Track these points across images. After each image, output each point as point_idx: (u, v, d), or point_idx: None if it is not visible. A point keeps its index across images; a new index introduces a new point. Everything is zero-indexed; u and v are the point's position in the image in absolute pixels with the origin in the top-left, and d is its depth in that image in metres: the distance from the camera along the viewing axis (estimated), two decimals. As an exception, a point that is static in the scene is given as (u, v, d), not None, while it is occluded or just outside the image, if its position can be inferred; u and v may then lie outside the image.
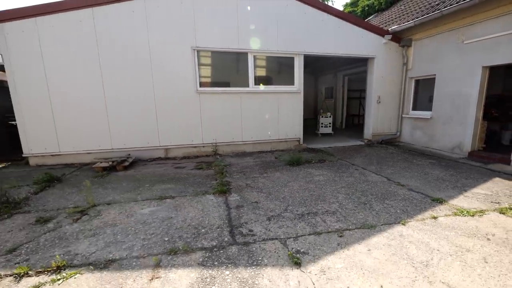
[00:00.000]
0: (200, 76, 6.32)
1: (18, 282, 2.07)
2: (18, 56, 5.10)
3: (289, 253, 2.40)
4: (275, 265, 2.24)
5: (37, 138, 5.47)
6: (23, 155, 5.53)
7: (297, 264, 2.24)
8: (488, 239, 2.64)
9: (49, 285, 2.03)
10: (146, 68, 5.83)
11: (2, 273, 2.16)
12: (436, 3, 7.04)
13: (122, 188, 4.24)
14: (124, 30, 5.56)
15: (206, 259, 2.33)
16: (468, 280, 2.04)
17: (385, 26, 8.66)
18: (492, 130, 7.11)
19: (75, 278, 2.10)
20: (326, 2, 17.26)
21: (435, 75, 6.94)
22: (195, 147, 6.57)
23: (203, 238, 2.68)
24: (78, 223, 3.02)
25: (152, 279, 2.09)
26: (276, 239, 2.66)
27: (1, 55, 5.21)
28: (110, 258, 2.35)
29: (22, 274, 2.14)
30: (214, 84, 6.65)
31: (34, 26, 5.07)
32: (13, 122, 6.55)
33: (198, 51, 6.18)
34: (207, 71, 6.60)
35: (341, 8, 21.81)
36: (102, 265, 2.26)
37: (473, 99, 5.99)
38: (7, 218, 3.17)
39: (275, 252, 2.43)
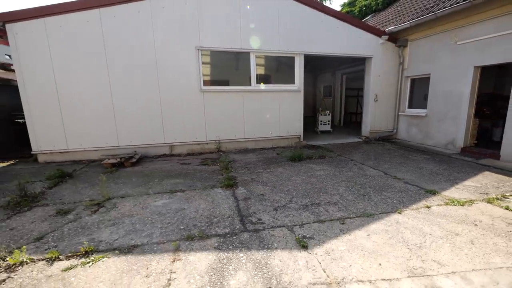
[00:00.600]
0: (203, 75, 6.51)
1: (51, 265, 2.27)
2: (27, 56, 5.24)
3: (296, 238, 2.64)
4: (284, 248, 2.48)
5: (45, 136, 5.63)
6: (32, 152, 5.68)
7: (304, 247, 2.48)
8: (476, 225, 2.90)
9: (80, 267, 2.24)
10: (151, 68, 6.01)
11: (35, 257, 2.37)
12: (431, 5, 7.30)
13: (133, 183, 4.44)
14: (130, 30, 5.72)
15: (221, 244, 2.56)
16: (456, 259, 2.30)
17: (382, 26, 8.91)
18: (484, 127, 7.41)
19: (103, 261, 2.31)
20: (323, 2, 17.47)
21: (429, 74, 7.21)
22: (199, 144, 6.77)
23: (216, 226, 2.90)
24: (97, 214, 3.22)
25: (174, 261, 2.30)
26: (284, 226, 2.89)
27: (9, 54, 5.32)
28: (133, 244, 2.56)
29: (53, 258, 2.35)
30: (217, 83, 6.84)
31: (42, 27, 5.21)
32: (19, 120, 6.69)
33: (202, 51, 6.37)
34: (210, 70, 6.78)
35: (338, 8, 22.07)
36: (126, 250, 2.47)
37: (465, 98, 6.28)
38: (27, 211, 3.35)
39: (283, 237, 2.66)
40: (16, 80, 6.76)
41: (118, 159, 5.42)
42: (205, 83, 6.57)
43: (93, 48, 5.57)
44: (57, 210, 3.32)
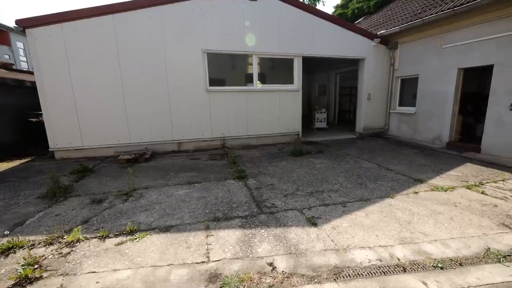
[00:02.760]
0: (209, 76, 6.92)
1: (104, 241, 2.69)
2: (45, 59, 5.55)
3: (306, 217, 3.12)
4: (297, 225, 2.96)
5: (62, 134, 5.95)
6: (50, 149, 5.99)
7: (314, 224, 2.97)
8: (456, 206, 3.45)
9: (130, 242, 2.66)
10: (161, 69, 6.38)
11: (88, 236, 2.78)
12: (419, 11, 7.88)
13: (151, 176, 4.85)
14: (142, 34, 6.08)
15: (243, 223, 3.02)
16: (438, 230, 2.83)
17: (374, 29, 9.47)
18: (467, 123, 8.06)
19: (148, 237, 2.74)
20: (316, 3, 17.99)
21: (418, 75, 7.81)
22: (205, 141, 7.19)
23: (237, 210, 3.36)
24: (129, 202, 3.64)
25: (207, 236, 2.76)
26: (295, 209, 3.37)
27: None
28: (168, 225, 3.00)
29: (104, 236, 2.76)
30: (221, 83, 7.26)
31: (60, 31, 5.52)
32: (32, 119, 6.96)
33: (207, 53, 6.77)
34: (216, 72, 7.19)
35: (331, 10, 22.61)
36: (164, 229, 2.91)
37: (450, 96, 6.89)
38: (64, 200, 3.73)
39: (295, 217, 3.15)
40: (29, 81, 7.05)
41: (133, 155, 5.79)
42: (211, 83, 6.98)
43: (106, 51, 5.91)
44: (91, 199, 3.72)
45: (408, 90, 8.61)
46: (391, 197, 3.72)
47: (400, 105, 8.87)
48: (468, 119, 7.92)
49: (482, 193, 3.87)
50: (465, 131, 7.41)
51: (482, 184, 4.24)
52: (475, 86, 9.08)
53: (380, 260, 2.33)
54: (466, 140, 7.06)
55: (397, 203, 3.52)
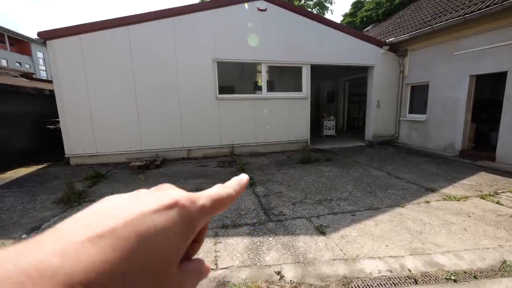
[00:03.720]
0: (219, 84, 7.05)
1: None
2: (63, 68, 5.81)
3: (314, 226, 3.11)
4: (305, 234, 2.95)
5: (78, 141, 6.16)
6: (65, 155, 6.20)
7: (322, 233, 2.95)
8: (469, 216, 3.36)
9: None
10: (172, 78, 6.56)
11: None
12: (428, 19, 7.85)
13: (161, 182, 4.92)
14: (154, 44, 6.29)
15: (252, 231, 3.04)
16: (450, 241, 2.76)
17: (383, 37, 9.47)
18: (481, 131, 7.87)
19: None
20: (325, 12, 18.13)
21: (428, 82, 7.72)
22: (214, 148, 7.28)
23: (245, 217, 3.38)
24: (139, 208, 3.71)
25: (215, 243, 2.79)
26: (303, 217, 3.37)
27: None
28: (177, 231, 3.05)
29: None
30: (231, 90, 7.40)
31: (78, 43, 5.79)
32: (50, 126, 7.25)
33: (217, 62, 6.93)
34: (225, 79, 7.33)
35: (340, 18, 22.74)
36: (173, 235, 2.95)
37: (462, 104, 6.77)
38: (78, 205, 3.85)
39: (303, 226, 3.14)
40: (48, 90, 7.37)
41: (144, 162, 5.92)
42: (220, 91, 7.10)
43: (121, 61, 6.14)
44: (103, 205, 3.82)
45: (419, 97, 8.51)
46: (402, 206, 3.66)
47: (410, 112, 8.75)
48: (481, 126, 7.74)
49: (498, 203, 3.76)
50: (478, 139, 7.24)
51: (497, 194, 4.12)
52: (488, 92, 8.89)
53: (391, 271, 2.30)
54: (480, 148, 6.88)
55: (407, 213, 3.46)
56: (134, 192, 0.24)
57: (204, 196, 0.25)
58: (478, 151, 6.65)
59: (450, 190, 4.31)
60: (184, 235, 0.22)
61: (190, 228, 0.23)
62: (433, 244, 2.71)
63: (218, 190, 0.27)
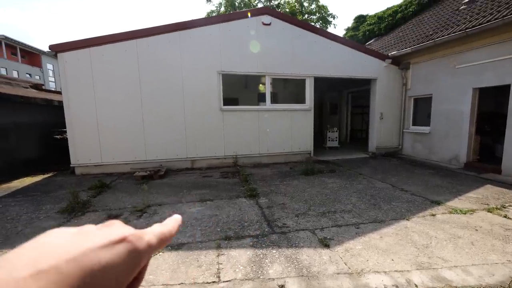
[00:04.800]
0: (223, 96, 7.16)
1: (117, 257, 2.74)
2: (73, 80, 5.97)
3: (318, 238, 3.08)
4: (309, 246, 2.92)
5: (84, 151, 6.24)
6: (71, 165, 6.27)
7: (326, 246, 2.92)
8: (476, 230, 3.30)
9: (142, 259, 2.70)
10: (178, 90, 6.69)
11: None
12: (430, 33, 7.98)
13: (165, 193, 4.95)
14: (161, 57, 6.46)
15: (255, 243, 3.01)
16: (458, 256, 2.71)
17: (385, 50, 9.61)
18: (485, 143, 7.81)
19: (160, 254, 2.78)
20: (328, 26, 18.55)
21: (431, 94, 7.76)
22: (217, 158, 7.30)
23: (248, 229, 3.36)
24: (143, 218, 3.72)
25: (218, 255, 2.76)
26: (306, 229, 3.33)
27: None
28: (180, 242, 3.03)
29: (118, 252, 2.82)
30: (235, 102, 7.49)
31: (87, 55, 5.98)
32: (57, 136, 7.37)
33: (222, 74, 7.06)
34: (230, 92, 7.45)
35: (343, 32, 23.18)
36: (176, 246, 2.94)
37: (466, 116, 6.76)
38: (82, 215, 3.86)
39: (307, 238, 3.11)
40: (56, 100, 7.55)
41: (148, 172, 5.96)
42: (225, 103, 7.21)
43: (129, 74, 6.30)
44: (107, 214, 3.83)
45: (422, 109, 8.52)
46: (407, 219, 3.61)
47: (414, 124, 8.75)
48: (486, 139, 7.68)
49: (505, 216, 3.69)
50: (483, 152, 7.17)
51: (505, 207, 4.05)
52: (492, 105, 8.88)
53: (396, 286, 2.25)
54: (485, 161, 6.81)
55: (413, 226, 3.41)
56: (81, 227, 0.24)
57: (150, 233, 0.27)
58: (483, 164, 6.58)
59: (456, 203, 4.25)
60: (129, 270, 0.23)
61: (136, 263, 0.24)
62: (440, 259, 2.66)
63: (160, 228, 0.29)
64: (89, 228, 0.24)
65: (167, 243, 0.30)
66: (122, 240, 0.23)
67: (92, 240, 0.21)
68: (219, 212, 3.95)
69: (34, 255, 0.19)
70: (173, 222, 0.32)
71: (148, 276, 2.40)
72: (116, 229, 0.25)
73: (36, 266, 0.18)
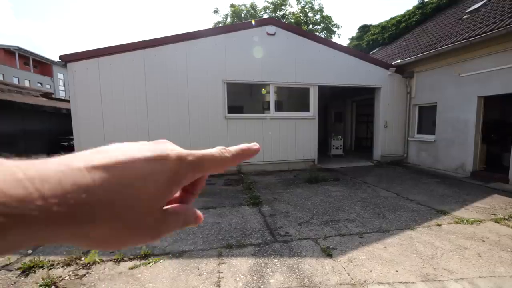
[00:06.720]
0: (228, 104, 7.24)
1: (118, 265, 2.75)
2: (81, 89, 6.12)
3: (321, 248, 3.04)
4: (312, 256, 2.88)
5: (89, 157, 6.32)
6: (76, 172, 6.35)
7: (329, 255, 2.87)
8: (483, 240, 3.22)
9: (143, 266, 2.70)
10: (183, 98, 6.79)
11: (104, 258, 2.86)
12: (434, 41, 8.01)
13: (168, 200, 4.95)
14: (168, 66, 6.60)
15: (256, 251, 2.99)
16: (464, 268, 2.64)
17: (389, 59, 9.64)
18: (492, 152, 7.68)
19: (161, 262, 2.77)
20: (332, 36, 18.75)
21: (436, 103, 7.71)
22: (221, 166, 7.31)
23: (250, 237, 3.34)
24: (145, 226, 3.72)
25: (219, 264, 2.74)
26: (309, 238, 3.30)
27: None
28: (181, 250, 3.03)
29: (119, 259, 2.83)
30: (239, 110, 7.56)
31: (96, 65, 6.14)
32: (64, 143, 7.51)
33: (227, 83, 7.16)
34: (234, 100, 7.53)
35: (347, 42, 23.40)
36: (177, 254, 2.94)
37: (471, 125, 6.68)
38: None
39: (310, 247, 3.07)
40: (64, 108, 7.72)
41: (152, 179, 5.99)
42: (229, 110, 7.28)
43: (135, 82, 6.44)
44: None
45: (427, 118, 8.46)
46: (412, 229, 3.54)
47: (419, 132, 8.67)
48: (493, 148, 7.56)
49: (514, 228, 3.60)
50: (490, 160, 7.05)
51: (514, 218, 3.94)
52: (498, 114, 8.77)
53: (400, 298, 2.20)
54: (492, 170, 6.68)
55: (418, 236, 3.34)
56: (136, 142, 0.27)
57: (195, 155, 0.28)
58: (491, 173, 6.46)
59: (462, 213, 4.16)
60: (169, 184, 0.25)
61: (175, 180, 0.26)
62: (446, 270, 2.59)
63: (214, 151, 0.29)
64: (142, 143, 0.27)
65: (220, 169, 0.29)
66: (164, 157, 0.25)
67: (140, 152, 0.24)
68: (221, 219, 3.94)
69: (91, 156, 0.22)
70: (238, 149, 0.31)
71: (147, 284, 2.39)
72: (164, 146, 0.27)
73: (91, 162, 0.21)
